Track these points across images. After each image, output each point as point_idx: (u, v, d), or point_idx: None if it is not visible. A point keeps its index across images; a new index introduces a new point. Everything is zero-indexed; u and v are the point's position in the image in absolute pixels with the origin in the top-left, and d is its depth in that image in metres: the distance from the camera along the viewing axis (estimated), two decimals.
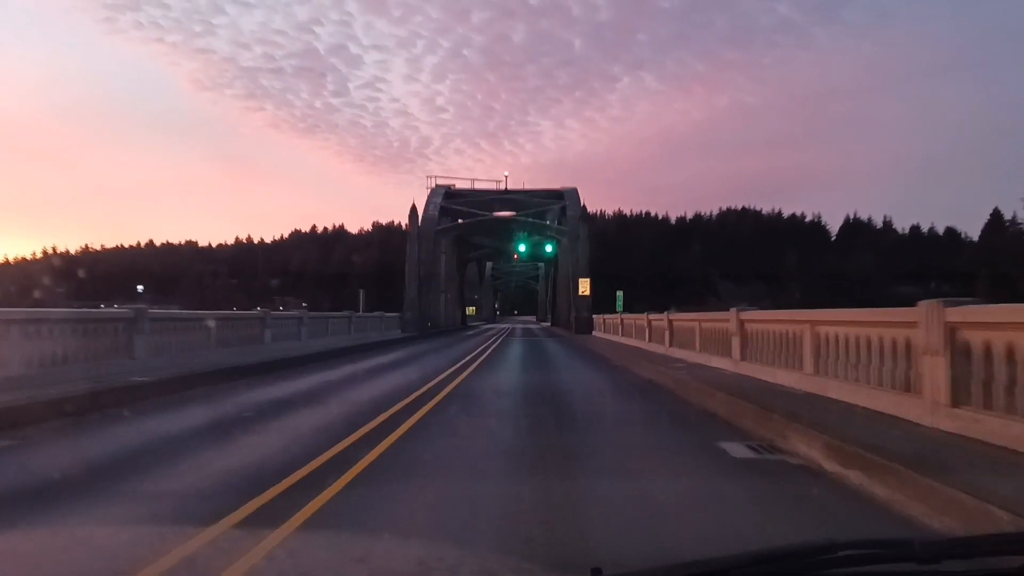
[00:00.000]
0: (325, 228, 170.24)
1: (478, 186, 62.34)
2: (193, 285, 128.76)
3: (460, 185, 60.71)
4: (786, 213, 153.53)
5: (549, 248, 59.82)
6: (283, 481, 5.72)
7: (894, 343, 8.16)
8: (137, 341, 14.00)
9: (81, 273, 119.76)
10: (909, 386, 7.73)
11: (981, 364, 6.55)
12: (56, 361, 11.64)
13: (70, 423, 8.80)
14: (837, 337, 9.64)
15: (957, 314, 6.87)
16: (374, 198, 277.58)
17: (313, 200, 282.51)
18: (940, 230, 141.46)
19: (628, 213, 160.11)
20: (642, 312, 26.85)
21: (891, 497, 5.32)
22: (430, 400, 11.28)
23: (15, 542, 3.46)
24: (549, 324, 79.42)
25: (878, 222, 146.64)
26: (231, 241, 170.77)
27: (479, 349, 27.68)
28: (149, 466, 6.64)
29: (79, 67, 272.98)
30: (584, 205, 52.89)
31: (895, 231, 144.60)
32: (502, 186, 62.42)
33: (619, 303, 45.41)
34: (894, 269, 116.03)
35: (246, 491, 5.32)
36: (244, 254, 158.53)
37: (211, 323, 17.29)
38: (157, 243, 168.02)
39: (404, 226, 52.27)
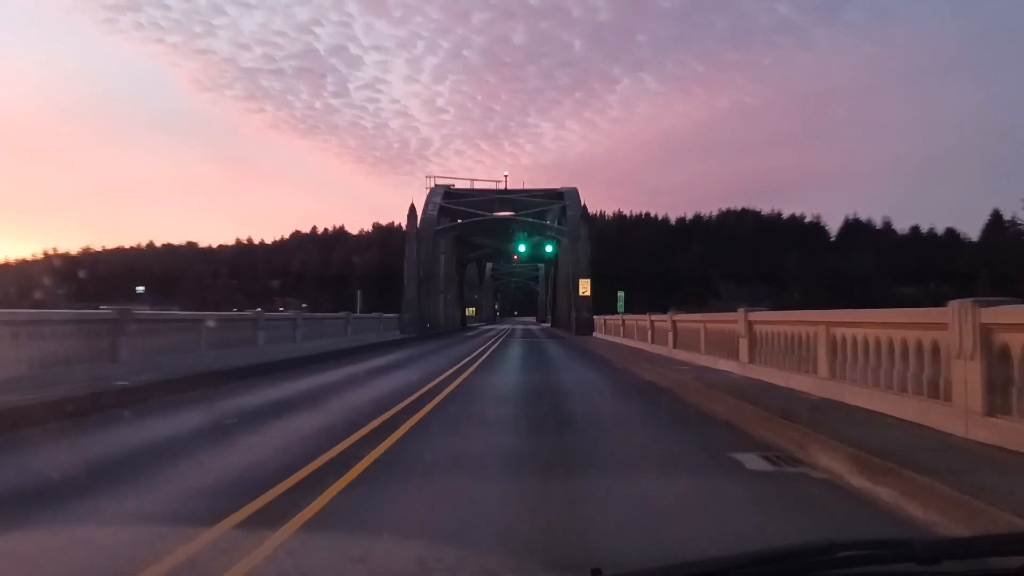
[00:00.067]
0: (325, 229, 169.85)
1: (478, 186, 61.88)
2: (194, 286, 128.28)
3: (460, 185, 60.22)
4: (786, 214, 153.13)
5: (549, 248, 59.28)
6: (247, 506, 5.16)
7: (919, 346, 7.63)
8: (122, 344, 13.48)
9: (81, 274, 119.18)
10: (937, 392, 7.20)
11: (1021, 369, 6.01)
12: (32, 365, 11.10)
13: (27, 433, 8.22)
14: (855, 339, 9.10)
15: (993, 315, 6.33)
16: (374, 199, 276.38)
17: (313, 201, 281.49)
18: (940, 230, 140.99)
19: (628, 214, 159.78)
20: (642, 313, 26.34)
21: (931, 519, 4.79)
22: (423, 407, 10.73)
23: None
24: (549, 325, 78.88)
25: (878, 222, 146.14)
26: (231, 242, 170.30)
27: (477, 351, 27.14)
28: (100, 484, 6.10)
29: (79, 67, 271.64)
30: (585, 205, 52.35)
31: (895, 231, 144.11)
32: (502, 186, 61.93)
33: (620, 304, 44.92)
34: (894, 270, 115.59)
35: (202, 519, 4.75)
36: (244, 255, 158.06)
37: (201, 325, 16.75)
38: (158, 244, 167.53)
39: (404, 227, 51.61)
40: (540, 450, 7.74)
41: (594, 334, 42.46)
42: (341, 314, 30.59)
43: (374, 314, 39.39)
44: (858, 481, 5.86)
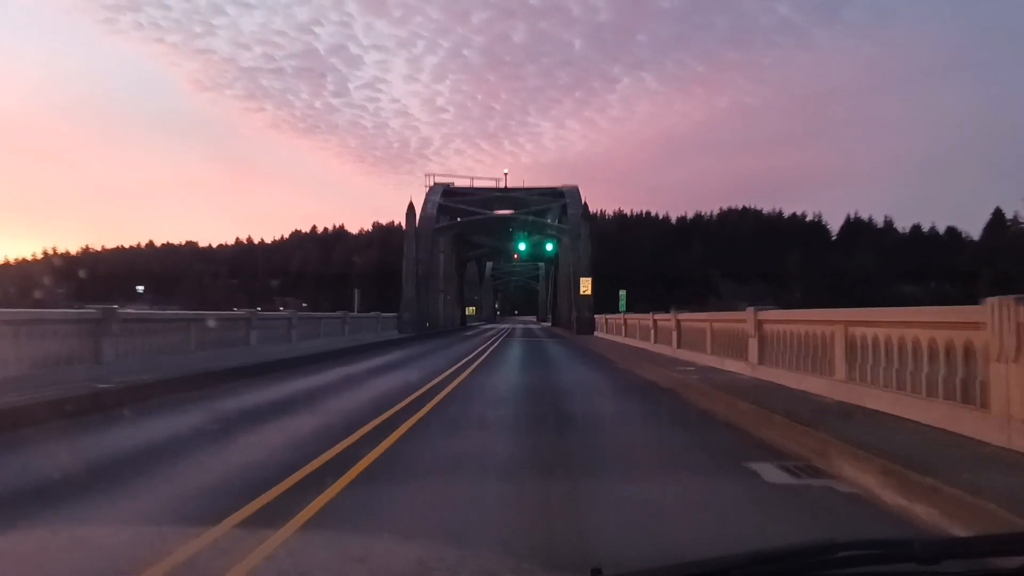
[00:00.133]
0: (325, 228, 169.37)
1: (477, 184, 61.25)
2: (193, 286, 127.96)
3: (459, 183, 59.60)
4: (787, 213, 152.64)
5: (550, 247, 58.65)
6: (203, 535, 4.64)
7: (949, 347, 7.08)
8: (105, 344, 12.93)
9: (82, 274, 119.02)
10: (970, 397, 6.65)
11: None
12: (7, 366, 10.55)
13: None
14: (875, 339, 8.56)
15: None
16: (374, 198, 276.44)
17: (313, 200, 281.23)
18: (941, 229, 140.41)
19: (629, 213, 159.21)
20: (642, 312, 25.80)
21: None
22: (417, 411, 10.18)
23: None
24: (550, 324, 78.34)
25: (879, 221, 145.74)
26: (231, 241, 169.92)
27: (476, 351, 26.60)
28: (64, 494, 5.56)
29: (79, 67, 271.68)
30: (586, 202, 51.73)
31: (896, 230, 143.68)
32: (502, 184, 61.33)
33: (622, 303, 44.34)
34: (895, 268, 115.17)
35: (156, 546, 4.22)
36: (244, 254, 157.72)
37: (191, 324, 16.20)
38: (157, 243, 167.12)
39: (403, 226, 51.01)
40: (540, 455, 7.21)
41: (595, 333, 41.90)
42: (338, 313, 30.03)
43: (372, 313, 38.80)
44: (891, 497, 5.32)
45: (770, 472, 6.42)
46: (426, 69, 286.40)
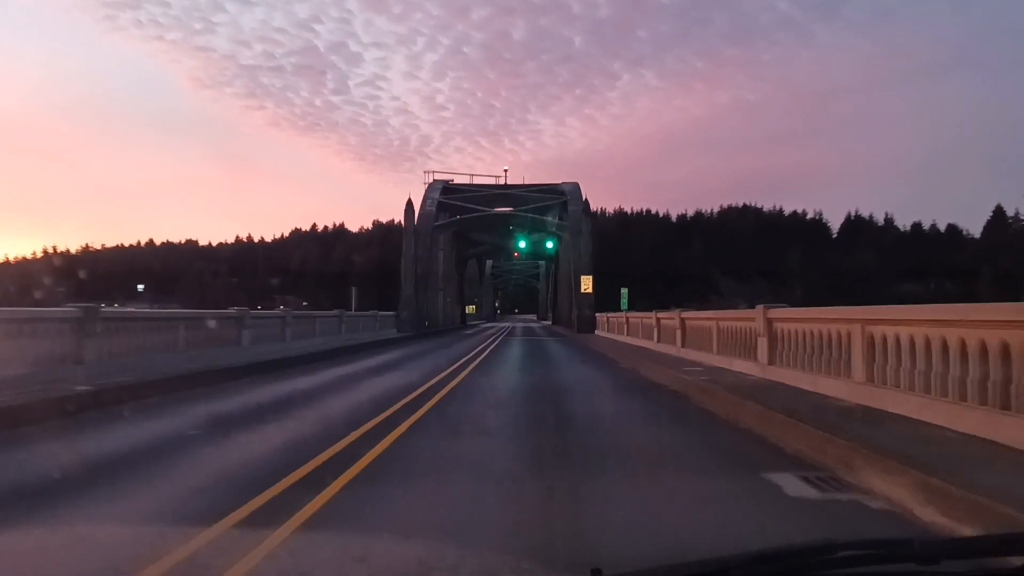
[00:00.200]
0: (325, 227, 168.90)
1: (477, 181, 60.65)
2: (194, 284, 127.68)
3: (459, 180, 58.97)
4: (787, 210, 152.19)
5: (550, 244, 58.02)
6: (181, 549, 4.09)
7: (983, 347, 6.52)
8: (87, 345, 12.37)
9: (81, 273, 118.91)
10: (1011, 403, 6.09)
11: None
12: None
13: None
14: (898, 338, 8.01)
15: None
16: (374, 196, 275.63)
17: (313, 199, 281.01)
18: (942, 227, 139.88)
19: (629, 211, 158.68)
20: (644, 310, 25.26)
21: None
22: (410, 416, 9.63)
23: None
24: (550, 323, 77.82)
25: (879, 219, 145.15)
26: (231, 240, 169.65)
27: (476, 351, 26.05)
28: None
29: (79, 66, 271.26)
30: (586, 199, 51.15)
31: (896, 228, 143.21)
32: (502, 181, 60.75)
33: (624, 301, 43.73)
34: (896, 266, 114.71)
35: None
36: (244, 253, 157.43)
37: (179, 324, 15.64)
38: (157, 242, 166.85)
39: (403, 223, 50.39)
40: (540, 462, 6.66)
41: (596, 332, 41.36)
42: (334, 312, 29.44)
43: (370, 312, 38.20)
44: (931, 515, 4.77)
45: (791, 484, 5.87)
46: (426, 66, 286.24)
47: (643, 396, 12.89)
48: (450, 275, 62.30)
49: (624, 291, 44.24)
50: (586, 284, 44.64)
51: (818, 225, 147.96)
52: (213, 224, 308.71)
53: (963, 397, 6.74)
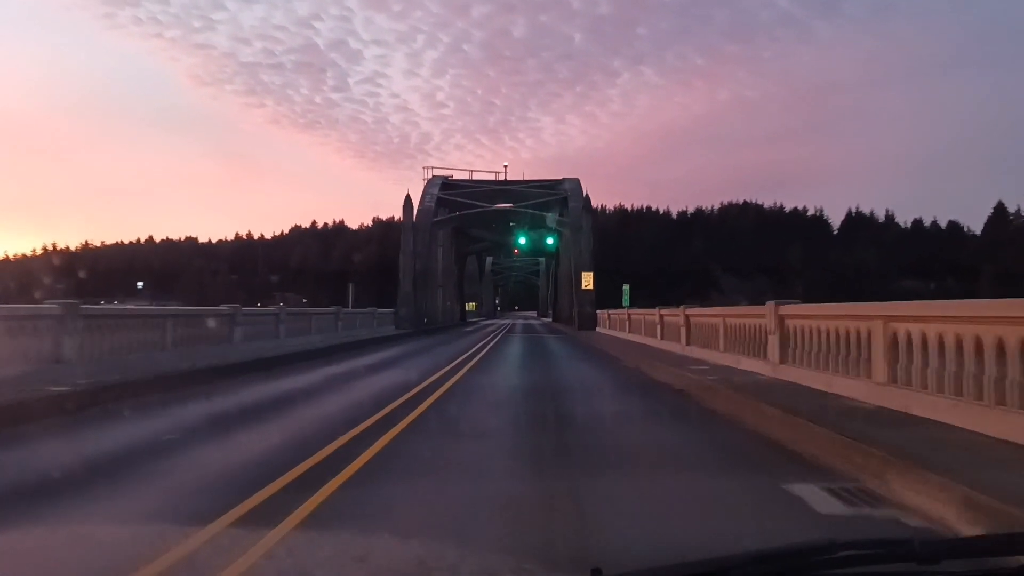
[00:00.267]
0: (325, 224, 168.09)
1: (477, 177, 60.02)
2: (193, 282, 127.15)
3: (458, 176, 58.37)
4: (788, 207, 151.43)
5: (550, 241, 57.37)
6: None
7: (1022, 346, 5.99)
8: (67, 342, 11.86)
9: (81, 270, 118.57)
10: None
11: None
12: None
13: None
14: (924, 336, 7.46)
15: None
16: (374, 194, 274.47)
17: (313, 196, 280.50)
18: (943, 224, 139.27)
19: (629, 208, 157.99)
20: (643, 307, 24.72)
21: None
22: (402, 418, 9.09)
23: None
24: (550, 320, 77.29)
25: (880, 216, 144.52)
26: (231, 237, 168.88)
27: (474, 348, 25.50)
28: None
29: (79, 63, 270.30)
30: (587, 195, 50.52)
31: (897, 225, 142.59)
32: (502, 177, 60.12)
33: (626, 297, 43.21)
34: (897, 263, 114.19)
35: None
36: (244, 250, 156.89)
37: (166, 321, 15.10)
38: (157, 239, 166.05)
39: (401, 220, 49.78)
40: (540, 472, 6.12)
41: (597, 329, 40.82)
42: (331, 309, 28.90)
43: (368, 309, 37.68)
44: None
45: (817, 498, 5.32)
46: (426, 64, 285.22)
47: (647, 396, 12.36)
48: (449, 272, 61.68)
49: (626, 288, 43.72)
50: (587, 281, 44.06)
51: (819, 222, 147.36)
52: (213, 221, 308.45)
53: (1001, 401, 6.20)
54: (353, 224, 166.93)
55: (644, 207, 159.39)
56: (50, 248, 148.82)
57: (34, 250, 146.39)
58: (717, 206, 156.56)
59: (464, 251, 73.36)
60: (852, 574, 1.50)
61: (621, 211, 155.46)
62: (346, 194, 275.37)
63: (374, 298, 52.52)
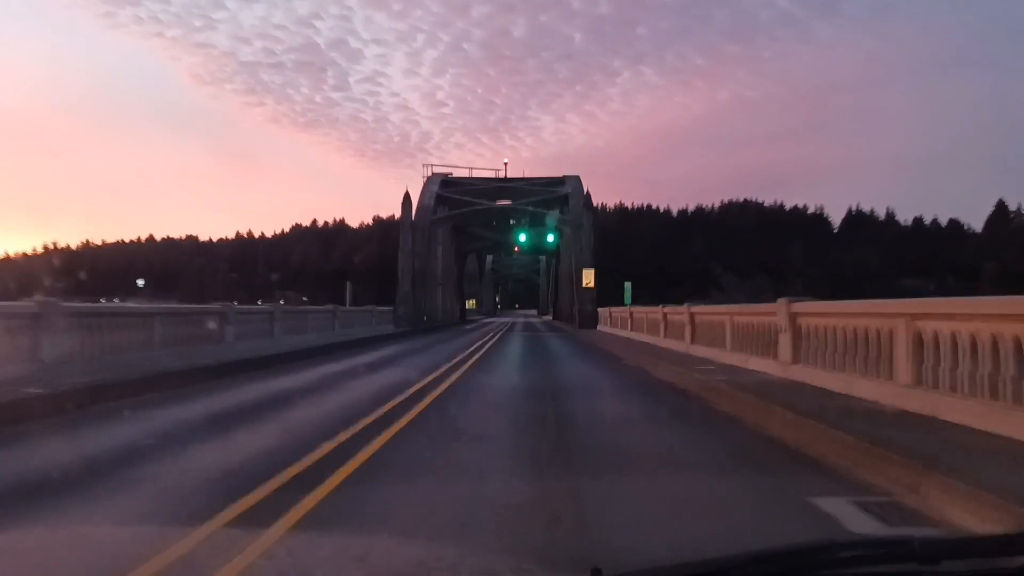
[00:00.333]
0: (326, 223, 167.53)
1: (476, 175, 59.38)
2: (193, 280, 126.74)
3: (458, 174, 57.75)
4: (788, 205, 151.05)
5: (551, 238, 56.76)
6: None
7: None
8: (46, 342, 11.34)
9: (81, 269, 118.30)
10: None
11: None
12: None
13: None
14: (954, 336, 6.95)
15: None
16: (375, 193, 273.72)
17: (314, 194, 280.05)
18: (943, 222, 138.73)
19: (630, 206, 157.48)
20: (643, 306, 24.19)
21: None
22: (394, 422, 8.57)
23: None
24: (551, 318, 76.78)
25: (881, 214, 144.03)
26: (232, 236, 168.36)
27: (473, 347, 24.98)
28: None
29: (79, 62, 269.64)
30: (588, 192, 49.95)
31: (898, 223, 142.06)
32: (501, 175, 59.53)
33: (627, 295, 42.65)
34: (898, 262, 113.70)
35: None
36: (245, 249, 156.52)
37: (155, 319, 14.57)
38: (157, 238, 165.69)
39: (399, 218, 49.17)
40: (540, 486, 5.60)
41: (598, 327, 40.30)
42: (328, 307, 28.38)
43: (366, 307, 37.13)
44: None
45: (848, 514, 4.82)
46: (426, 63, 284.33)
47: (651, 397, 11.86)
48: (449, 270, 61.16)
49: (627, 285, 43.17)
50: (588, 278, 43.50)
51: (819, 220, 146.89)
52: (213, 220, 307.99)
53: None
54: (354, 223, 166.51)
55: (644, 206, 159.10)
56: (51, 247, 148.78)
57: (34, 249, 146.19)
58: (717, 205, 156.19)
59: (464, 249, 72.87)
60: (852, 574, 1.49)
61: (621, 210, 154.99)
62: (346, 193, 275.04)
63: (374, 297, 51.99)
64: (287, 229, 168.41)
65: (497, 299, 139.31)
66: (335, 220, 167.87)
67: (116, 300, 63.21)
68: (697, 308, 18.05)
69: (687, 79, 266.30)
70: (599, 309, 42.46)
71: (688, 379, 12.52)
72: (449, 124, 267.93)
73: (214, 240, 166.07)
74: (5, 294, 68.01)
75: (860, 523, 4.62)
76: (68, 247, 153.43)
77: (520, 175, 60.61)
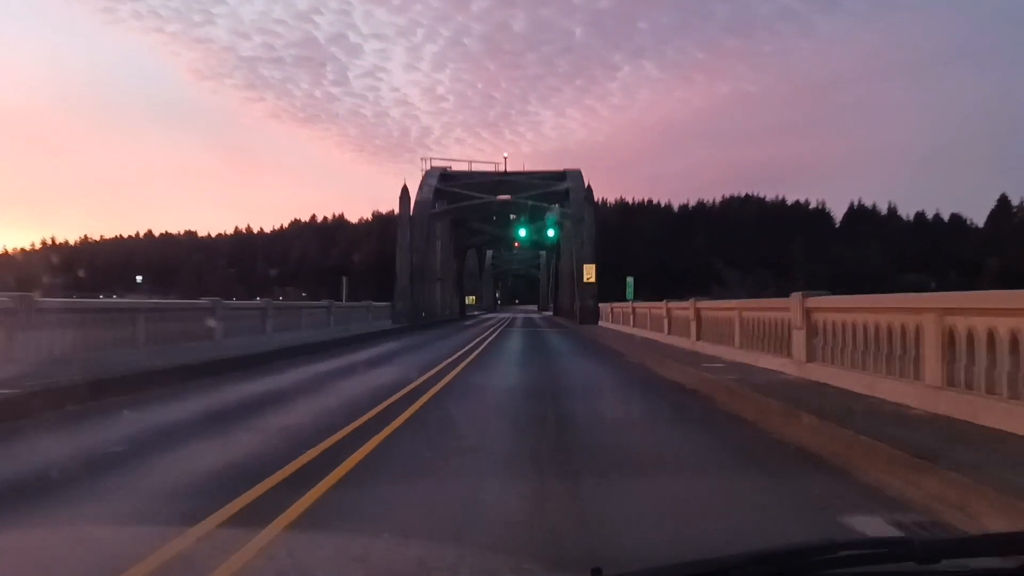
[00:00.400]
0: (325, 218, 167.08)
1: (476, 168, 58.66)
2: (192, 276, 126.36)
3: (457, 168, 57.01)
4: (790, 200, 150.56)
5: (551, 233, 56.02)
6: None
7: None
8: (19, 340, 10.76)
9: (80, 265, 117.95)
10: None
11: None
12: None
13: None
14: (991, 333, 6.35)
15: None
16: (375, 188, 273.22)
17: (313, 190, 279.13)
18: (945, 216, 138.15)
19: (630, 201, 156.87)
20: (644, 301, 23.61)
21: None
22: (385, 426, 7.98)
23: None
24: (551, 313, 76.20)
25: (883, 209, 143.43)
26: (231, 231, 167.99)
27: (471, 344, 24.39)
28: None
29: (79, 57, 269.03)
30: (589, 185, 49.24)
31: (900, 218, 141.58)
32: (501, 169, 58.81)
33: (629, 290, 42.06)
34: (899, 256, 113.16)
35: None
36: (244, 244, 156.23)
37: (138, 316, 13.97)
38: (156, 233, 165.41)
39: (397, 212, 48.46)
40: (541, 506, 5.01)
41: (599, 323, 39.71)
42: (323, 303, 27.76)
43: (362, 303, 36.52)
44: None
45: (887, 535, 4.23)
46: (426, 58, 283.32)
47: (657, 397, 11.26)
48: (448, 265, 60.48)
49: (630, 280, 42.58)
50: (589, 273, 42.86)
51: (821, 215, 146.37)
52: (213, 215, 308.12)
53: None
54: (353, 218, 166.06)
55: (645, 200, 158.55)
56: (49, 243, 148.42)
57: (33, 245, 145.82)
58: (718, 200, 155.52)
59: (463, 244, 72.23)
60: (852, 574, 1.48)
61: (622, 205, 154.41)
62: (346, 188, 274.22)
63: (373, 293, 51.24)
64: (286, 225, 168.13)
65: (497, 295, 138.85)
66: (335, 216, 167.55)
67: (114, 296, 62.65)
68: (703, 303, 17.44)
69: (688, 73, 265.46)
70: (600, 305, 41.87)
71: (695, 378, 11.94)
72: (449, 119, 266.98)
73: (213, 236, 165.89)
74: (4, 290, 67.50)
75: None
76: (67, 243, 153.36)
77: (520, 167, 59.95)
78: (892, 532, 4.32)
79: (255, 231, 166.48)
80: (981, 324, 6.51)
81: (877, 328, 8.43)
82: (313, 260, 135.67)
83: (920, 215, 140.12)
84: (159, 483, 5.54)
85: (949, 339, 6.98)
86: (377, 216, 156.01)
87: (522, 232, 55.34)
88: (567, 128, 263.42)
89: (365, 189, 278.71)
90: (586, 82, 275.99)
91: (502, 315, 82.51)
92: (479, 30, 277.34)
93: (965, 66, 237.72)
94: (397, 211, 48.54)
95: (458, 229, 63.44)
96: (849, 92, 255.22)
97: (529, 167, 63.72)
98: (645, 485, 5.63)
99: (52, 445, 7.21)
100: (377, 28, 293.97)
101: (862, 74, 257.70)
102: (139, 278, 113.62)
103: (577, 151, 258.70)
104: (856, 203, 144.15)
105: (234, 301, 21.51)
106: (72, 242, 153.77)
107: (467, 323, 50.29)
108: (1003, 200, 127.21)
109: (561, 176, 52.84)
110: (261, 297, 22.29)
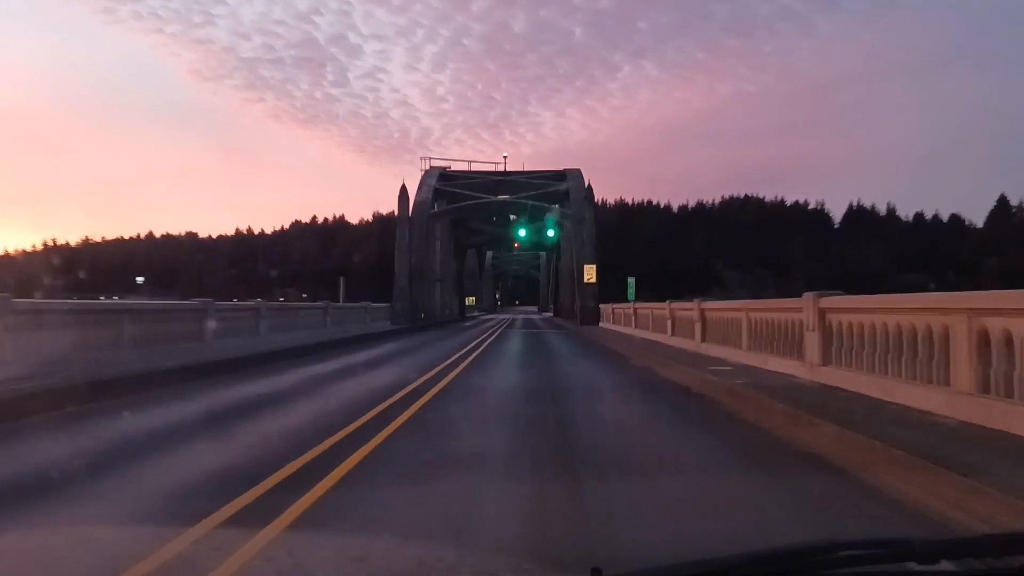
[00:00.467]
0: (326, 219, 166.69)
1: (476, 168, 58.16)
2: (193, 277, 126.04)
3: (457, 168, 56.51)
4: (789, 201, 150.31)
5: (551, 233, 55.54)
6: None
7: None
8: None
9: (81, 266, 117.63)
10: None
11: None
12: None
13: None
14: None
15: None
16: (375, 189, 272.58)
17: (314, 191, 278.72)
18: (944, 217, 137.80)
19: (630, 202, 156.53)
20: (646, 302, 23.15)
21: None
22: (376, 434, 7.48)
23: None
24: (551, 314, 75.73)
25: (882, 209, 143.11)
26: (231, 232, 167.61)
27: (472, 345, 23.90)
28: None
29: (79, 58, 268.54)
30: (589, 185, 48.76)
31: (899, 218, 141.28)
32: (501, 168, 58.33)
33: (631, 291, 41.55)
34: (899, 256, 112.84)
35: None
36: (244, 245, 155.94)
37: (123, 316, 13.46)
38: (157, 234, 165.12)
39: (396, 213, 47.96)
40: (543, 506, 4.52)
41: (600, 324, 39.22)
42: (319, 303, 27.28)
43: (360, 303, 36.01)
44: None
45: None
46: (426, 58, 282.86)
47: (661, 400, 10.77)
48: (447, 266, 60.02)
49: (631, 280, 42.08)
50: (589, 274, 42.37)
51: (820, 215, 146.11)
52: (213, 216, 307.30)
53: None
54: (353, 219, 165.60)
55: (645, 201, 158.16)
56: (50, 244, 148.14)
57: (34, 246, 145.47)
58: (718, 200, 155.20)
59: (463, 244, 71.78)
60: (852, 574, 1.46)
61: (621, 205, 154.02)
62: (346, 189, 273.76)
63: (373, 293, 50.69)
64: (287, 226, 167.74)
65: (497, 296, 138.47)
66: (335, 216, 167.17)
67: (115, 297, 62.11)
68: (708, 304, 16.94)
69: (688, 74, 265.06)
70: (600, 305, 41.39)
71: (701, 381, 11.44)
72: (449, 120, 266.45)
73: (214, 237, 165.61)
74: (4, 291, 67.08)
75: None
76: (68, 244, 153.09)
77: (520, 168, 59.46)
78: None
79: (256, 232, 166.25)
80: (1018, 326, 6.02)
81: (899, 329, 7.94)
82: (314, 261, 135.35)
83: (919, 215, 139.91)
84: (151, 487, 5.05)
85: (982, 342, 6.49)
86: (377, 217, 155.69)
87: (522, 232, 54.84)
88: (567, 129, 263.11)
89: (365, 190, 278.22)
90: (586, 82, 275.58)
91: (502, 316, 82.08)
92: (479, 30, 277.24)
93: (965, 66, 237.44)
94: (396, 211, 48.06)
95: (458, 229, 63.00)
96: (849, 92, 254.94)
97: (529, 167, 63.29)
98: (657, 496, 5.16)
99: (37, 450, 6.72)
100: (377, 29, 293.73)
101: (862, 74, 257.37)
102: (140, 279, 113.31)
103: (577, 152, 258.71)
104: (856, 203, 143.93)
105: (227, 302, 20.95)
106: (73, 243, 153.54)
107: (467, 324, 49.83)
108: (1002, 200, 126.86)
109: (561, 176, 52.37)
110: (261, 298, 21.88)
